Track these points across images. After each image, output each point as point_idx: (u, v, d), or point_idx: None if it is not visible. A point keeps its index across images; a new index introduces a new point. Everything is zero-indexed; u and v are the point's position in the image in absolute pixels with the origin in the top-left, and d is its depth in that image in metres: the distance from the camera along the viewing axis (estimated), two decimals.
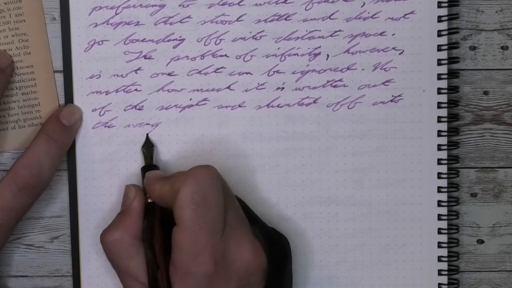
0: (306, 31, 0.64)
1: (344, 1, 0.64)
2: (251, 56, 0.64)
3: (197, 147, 0.64)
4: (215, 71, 0.64)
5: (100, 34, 0.63)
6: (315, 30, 0.64)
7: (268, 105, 0.64)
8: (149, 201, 0.60)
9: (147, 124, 0.64)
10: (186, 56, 0.64)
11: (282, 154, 0.64)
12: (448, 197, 0.65)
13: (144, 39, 0.63)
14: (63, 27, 0.63)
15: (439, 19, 0.64)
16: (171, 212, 0.57)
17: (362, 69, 0.64)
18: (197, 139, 0.64)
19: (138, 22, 0.63)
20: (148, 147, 0.63)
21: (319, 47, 0.64)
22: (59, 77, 0.64)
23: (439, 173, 0.65)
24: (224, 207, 0.57)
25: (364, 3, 0.64)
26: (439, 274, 0.65)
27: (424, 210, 0.65)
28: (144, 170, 0.62)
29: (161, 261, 0.58)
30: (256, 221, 0.61)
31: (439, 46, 0.64)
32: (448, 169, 0.65)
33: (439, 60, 0.64)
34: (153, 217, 0.59)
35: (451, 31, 0.64)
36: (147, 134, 0.64)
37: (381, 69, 0.64)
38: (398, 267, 0.65)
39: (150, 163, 0.63)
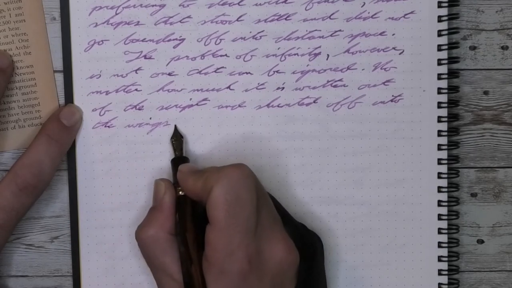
0: (306, 31, 0.64)
1: (344, 1, 0.64)
2: (251, 56, 0.64)
3: (197, 147, 0.64)
4: (215, 71, 0.64)
5: (100, 34, 0.63)
6: (315, 30, 0.64)
7: (268, 105, 0.64)
8: (180, 193, 0.60)
9: (147, 124, 0.64)
10: (186, 56, 0.64)
11: (282, 154, 0.64)
12: (448, 197, 0.65)
13: (144, 39, 0.63)
14: (63, 27, 0.63)
15: (439, 19, 0.64)
16: (203, 204, 0.58)
17: (362, 69, 0.64)
18: (197, 139, 0.64)
19: (138, 22, 0.63)
20: (178, 138, 0.63)
21: (319, 47, 0.64)
22: (59, 77, 0.64)
23: (439, 173, 0.65)
24: (257, 206, 0.57)
25: (364, 3, 0.64)
26: (439, 274, 0.65)
27: (424, 210, 0.65)
28: (175, 162, 0.62)
29: (194, 255, 0.58)
30: (287, 218, 0.61)
31: (439, 46, 0.64)
32: (448, 169, 0.65)
33: (439, 60, 0.64)
34: (184, 211, 0.59)
35: (451, 31, 0.64)
36: (175, 125, 0.64)
37: (381, 69, 0.64)
38: (398, 267, 0.65)
39: (180, 154, 0.63)
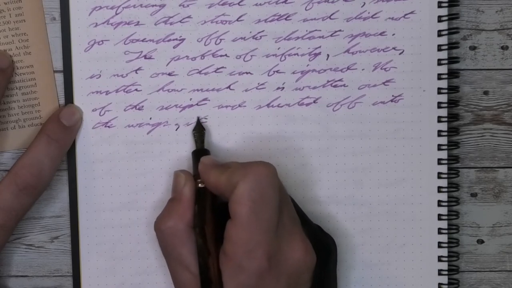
0: (306, 31, 0.64)
1: (344, 1, 0.64)
2: (251, 56, 0.64)
3: None
4: (215, 71, 0.64)
5: (100, 34, 0.63)
6: (315, 30, 0.64)
7: (268, 105, 0.64)
8: (199, 186, 0.60)
9: (147, 124, 0.64)
10: (186, 56, 0.64)
11: (282, 154, 0.64)
12: (448, 197, 0.65)
13: (144, 39, 0.63)
14: (63, 27, 0.63)
15: (439, 19, 0.64)
16: (222, 198, 0.58)
17: (362, 69, 0.64)
18: None
19: (138, 22, 0.63)
20: (199, 130, 0.63)
21: (319, 47, 0.64)
22: (59, 77, 0.64)
23: (439, 173, 0.65)
24: (279, 205, 0.57)
25: (364, 3, 0.64)
26: (439, 274, 0.65)
27: (424, 210, 0.65)
28: (196, 154, 0.62)
29: (212, 247, 0.58)
30: (304, 220, 0.61)
31: (439, 46, 0.64)
32: (448, 169, 0.65)
33: (439, 60, 0.64)
34: (204, 203, 0.59)
35: (451, 31, 0.64)
36: (197, 118, 0.64)
37: (381, 69, 0.64)
38: (398, 267, 0.65)
39: (201, 147, 0.63)
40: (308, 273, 0.58)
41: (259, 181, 0.57)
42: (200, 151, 0.62)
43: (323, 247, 0.61)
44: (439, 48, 0.64)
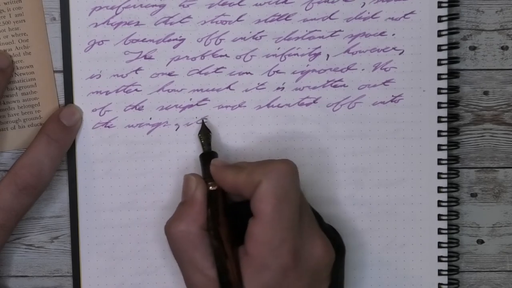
0: (306, 31, 0.64)
1: (344, 1, 0.64)
2: (251, 56, 0.64)
3: (197, 147, 0.64)
4: (215, 71, 0.64)
5: (100, 34, 0.63)
6: (315, 30, 0.64)
7: (268, 105, 0.64)
8: (211, 188, 0.60)
9: (147, 124, 0.64)
10: (186, 56, 0.64)
11: (282, 154, 0.64)
12: (448, 197, 0.65)
13: (144, 39, 0.63)
14: (63, 27, 0.63)
15: (439, 19, 0.64)
16: (235, 198, 0.58)
17: (362, 69, 0.64)
18: (197, 139, 0.64)
19: (138, 22, 0.63)
20: (205, 133, 0.63)
21: (319, 47, 0.64)
22: (59, 77, 0.64)
23: (439, 173, 0.65)
24: (300, 203, 0.58)
25: (364, 3, 0.64)
26: (439, 274, 0.65)
27: (424, 210, 0.65)
28: (204, 157, 0.62)
29: (228, 250, 0.58)
30: (317, 218, 0.61)
31: (439, 46, 0.64)
32: (448, 169, 0.65)
33: (439, 60, 0.64)
34: (216, 206, 0.59)
35: (451, 31, 0.64)
36: (203, 120, 0.64)
37: (381, 69, 0.64)
38: (398, 267, 0.65)
39: (209, 149, 0.63)
40: (326, 270, 0.59)
41: (283, 179, 0.57)
42: (208, 153, 0.62)
43: (338, 245, 0.61)
44: (439, 48, 0.64)
